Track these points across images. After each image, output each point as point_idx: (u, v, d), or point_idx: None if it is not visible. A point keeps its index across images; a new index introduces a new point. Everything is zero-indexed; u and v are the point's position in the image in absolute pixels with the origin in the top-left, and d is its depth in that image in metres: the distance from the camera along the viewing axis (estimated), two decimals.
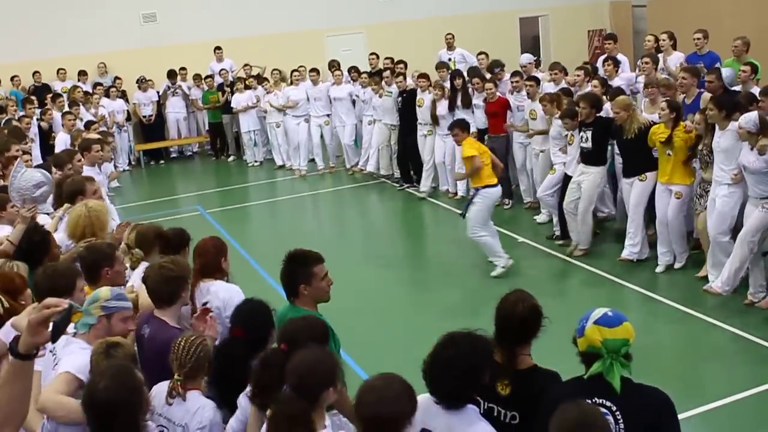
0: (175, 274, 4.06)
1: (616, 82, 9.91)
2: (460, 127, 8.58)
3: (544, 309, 3.48)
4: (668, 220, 8.00)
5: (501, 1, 18.77)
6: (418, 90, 11.85)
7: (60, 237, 5.64)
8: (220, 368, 3.64)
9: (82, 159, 7.89)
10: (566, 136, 8.93)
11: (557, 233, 9.39)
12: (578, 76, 10.13)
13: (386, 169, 13.13)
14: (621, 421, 2.96)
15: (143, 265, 4.83)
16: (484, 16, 18.37)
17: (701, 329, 7.03)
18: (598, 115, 8.52)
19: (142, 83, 16.05)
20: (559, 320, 3.60)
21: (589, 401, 2.93)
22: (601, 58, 11.03)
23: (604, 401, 2.98)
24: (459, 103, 11.30)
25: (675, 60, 10.27)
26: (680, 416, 3.15)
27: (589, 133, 8.46)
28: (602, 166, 8.62)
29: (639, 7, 18.65)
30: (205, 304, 4.45)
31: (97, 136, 9.63)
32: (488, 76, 11.49)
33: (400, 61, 12.82)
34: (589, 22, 19.51)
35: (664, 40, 10.47)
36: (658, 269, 8.21)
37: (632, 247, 8.42)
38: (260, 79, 15.10)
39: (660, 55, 10.41)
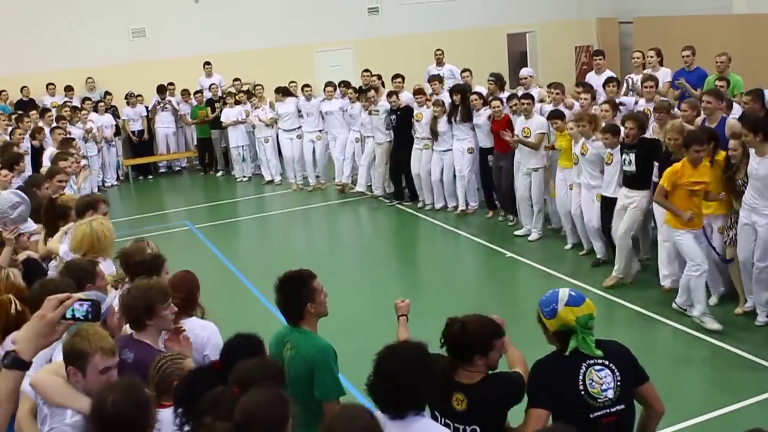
0: (133, 303, 3.99)
1: None
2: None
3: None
4: (713, 257, 7.48)
5: (489, 17, 18.86)
6: (415, 105, 11.82)
7: (63, 250, 5.59)
8: (181, 391, 3.44)
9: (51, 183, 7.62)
10: (604, 156, 8.43)
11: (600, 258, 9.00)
12: (585, 99, 9.51)
13: (376, 186, 13.09)
14: (616, 371, 3.40)
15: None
16: (472, 32, 18.46)
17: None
18: (642, 136, 8.03)
19: (131, 98, 16.04)
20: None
21: (585, 365, 3.37)
22: (598, 76, 10.87)
23: (596, 361, 3.39)
24: (458, 117, 11.16)
25: (662, 76, 10.38)
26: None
27: (632, 156, 7.97)
28: (647, 190, 8.01)
29: (625, 23, 18.82)
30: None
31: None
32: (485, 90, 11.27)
33: (397, 75, 12.54)
34: (577, 38, 19.66)
35: (651, 57, 10.59)
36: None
37: (671, 275, 7.98)
38: (250, 94, 15.13)
39: (647, 71, 10.51)
